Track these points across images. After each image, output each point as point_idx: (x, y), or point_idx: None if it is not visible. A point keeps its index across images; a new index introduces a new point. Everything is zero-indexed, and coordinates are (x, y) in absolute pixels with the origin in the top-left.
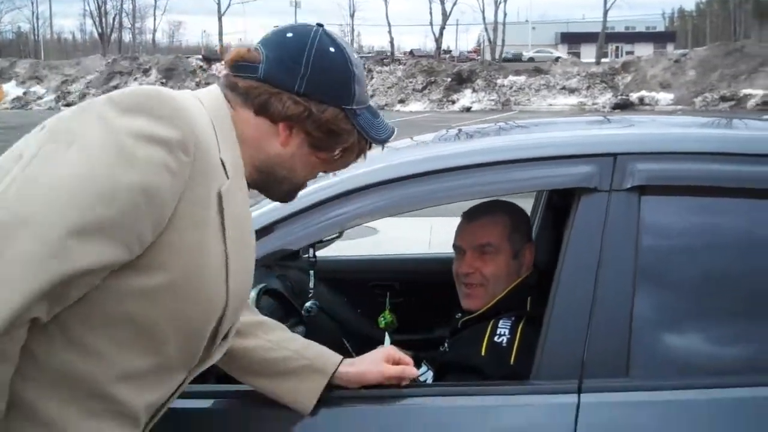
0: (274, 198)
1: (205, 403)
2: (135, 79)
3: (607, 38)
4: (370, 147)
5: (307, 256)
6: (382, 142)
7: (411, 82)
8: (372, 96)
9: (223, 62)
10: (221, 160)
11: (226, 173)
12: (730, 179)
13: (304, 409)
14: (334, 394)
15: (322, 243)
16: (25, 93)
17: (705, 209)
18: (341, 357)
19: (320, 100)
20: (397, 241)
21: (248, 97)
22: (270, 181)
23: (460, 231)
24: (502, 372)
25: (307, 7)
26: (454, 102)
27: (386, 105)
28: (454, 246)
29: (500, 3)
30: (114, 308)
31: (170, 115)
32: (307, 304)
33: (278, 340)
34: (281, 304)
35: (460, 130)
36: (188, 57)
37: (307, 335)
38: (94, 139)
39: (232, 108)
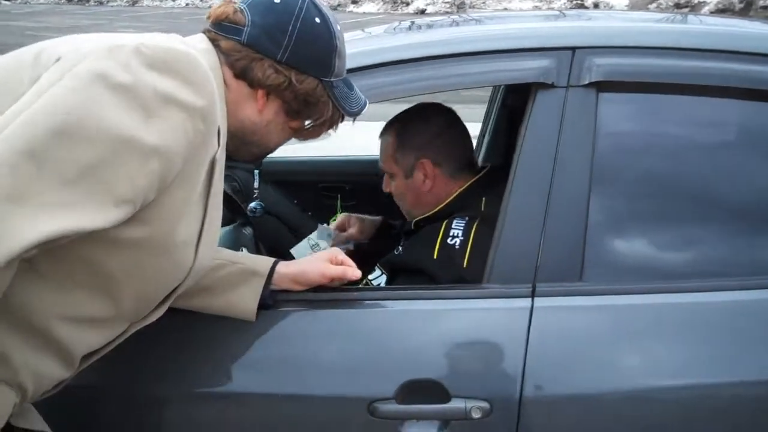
0: (240, 159)
1: None
2: None
3: None
4: (342, 119)
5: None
6: (354, 114)
7: None
8: None
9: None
10: (219, 129)
11: (219, 140)
12: (691, 75)
13: (247, 316)
14: (281, 297)
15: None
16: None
17: (664, 108)
18: (276, 259)
19: (301, 70)
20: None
21: (228, 58)
22: (240, 145)
23: None
24: (455, 275)
25: None
26: (408, 4)
27: (339, 5)
28: None
29: None
30: (86, 250)
31: (199, 82)
32: (252, 204)
33: None
34: (226, 204)
35: (412, 23)
36: None
37: (257, 235)
38: (118, 91)
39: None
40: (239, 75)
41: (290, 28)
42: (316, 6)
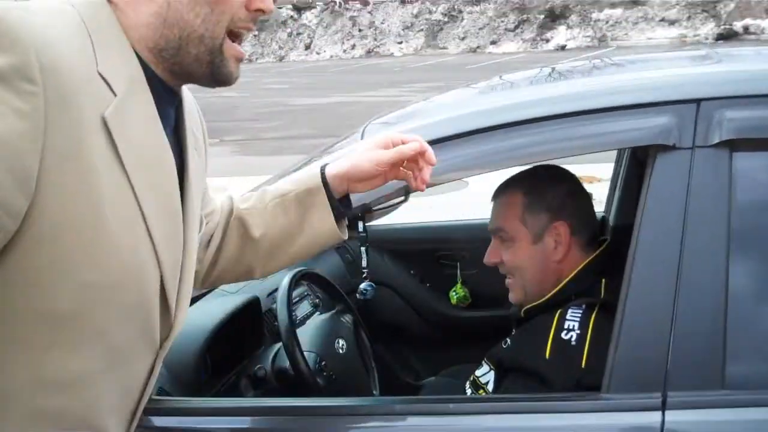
0: (206, 82)
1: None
2: None
3: None
4: None
5: (357, 230)
6: None
7: (503, 22)
8: (463, 39)
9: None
10: (100, 74)
11: (112, 91)
12: None
13: (336, 237)
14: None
15: (385, 209)
16: None
17: None
18: (320, 164)
19: None
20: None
21: None
22: (179, 60)
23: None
24: (571, 378)
25: None
26: (548, 41)
27: (478, 47)
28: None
29: None
30: (19, 301)
31: (1, 39)
32: (361, 285)
33: (258, 200)
34: (324, 289)
35: (542, 71)
36: (280, 7)
37: (359, 322)
38: None
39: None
40: None
41: None
42: None
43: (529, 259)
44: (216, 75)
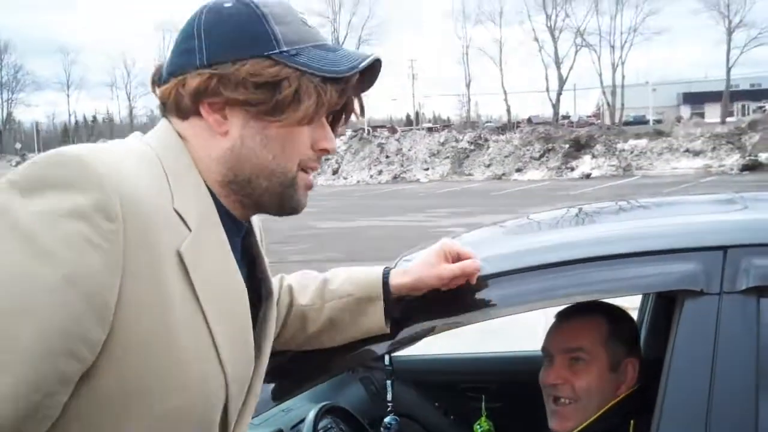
0: (275, 211)
1: None
2: None
3: (731, 96)
4: (336, 88)
5: (383, 363)
6: (344, 72)
7: (528, 150)
8: (489, 166)
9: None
10: (176, 211)
11: (187, 226)
12: None
13: (383, 331)
14: None
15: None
16: None
17: None
18: (382, 268)
19: (231, 59)
20: (508, 329)
21: (171, 108)
22: (247, 192)
23: (551, 333)
24: None
25: (423, 77)
26: (573, 169)
27: (503, 174)
28: (543, 349)
29: (618, 66)
30: (92, 421)
31: (78, 178)
32: (386, 419)
33: (318, 296)
34: (346, 423)
35: (569, 211)
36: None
37: None
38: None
39: (182, 137)
40: (182, 113)
41: (194, 29)
42: None
43: (600, 384)
44: (286, 205)
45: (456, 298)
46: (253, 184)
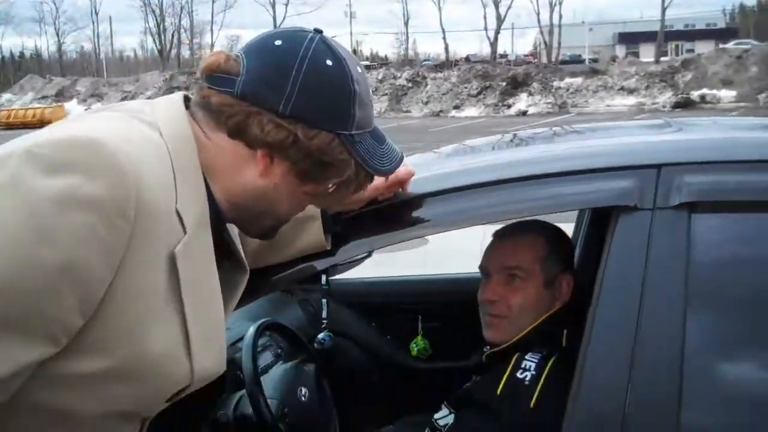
0: (251, 234)
1: None
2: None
3: (666, 37)
4: (371, 179)
5: (320, 283)
6: (386, 173)
7: (466, 88)
8: (426, 103)
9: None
10: (177, 211)
11: (183, 228)
12: None
13: (323, 247)
14: None
15: (349, 263)
16: (86, 110)
17: None
18: None
19: (310, 124)
20: (449, 252)
21: (221, 116)
22: (247, 216)
23: (489, 251)
24: (519, 416)
25: (362, 17)
26: (509, 106)
27: (441, 111)
28: (480, 267)
29: (555, 5)
30: (44, 398)
31: (106, 168)
32: (320, 335)
33: None
34: (288, 340)
35: (503, 137)
36: None
37: (321, 371)
38: (9, 211)
39: (202, 131)
40: (234, 133)
41: (293, 72)
42: (327, 45)
43: (535, 301)
44: (266, 236)
45: (395, 215)
46: (256, 217)
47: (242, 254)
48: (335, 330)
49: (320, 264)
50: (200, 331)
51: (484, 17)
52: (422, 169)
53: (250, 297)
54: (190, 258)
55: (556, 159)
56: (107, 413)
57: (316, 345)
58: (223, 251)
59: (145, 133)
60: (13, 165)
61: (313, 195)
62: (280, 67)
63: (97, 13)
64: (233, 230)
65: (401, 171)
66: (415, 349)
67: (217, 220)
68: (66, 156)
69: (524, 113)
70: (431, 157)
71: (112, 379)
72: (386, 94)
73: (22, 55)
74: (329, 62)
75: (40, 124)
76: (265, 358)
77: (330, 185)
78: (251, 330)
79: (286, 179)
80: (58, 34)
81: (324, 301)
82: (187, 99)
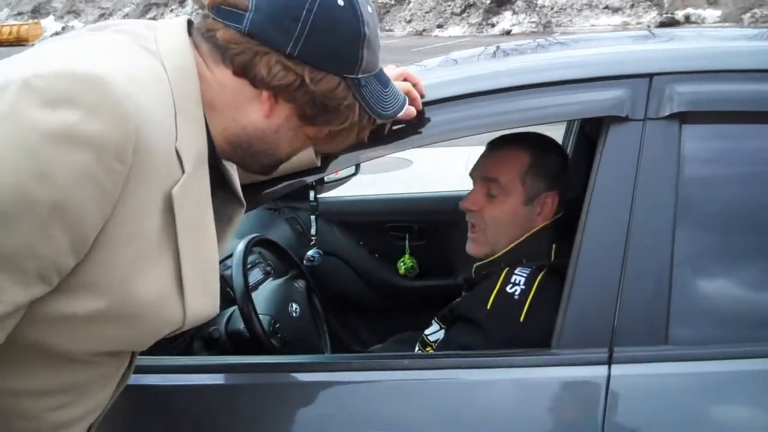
0: (249, 171)
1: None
2: (171, 11)
3: None
4: (374, 123)
5: (308, 200)
6: (389, 117)
7: (449, 6)
8: (409, 21)
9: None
10: (176, 150)
11: (182, 167)
12: None
13: (313, 164)
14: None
15: (336, 181)
16: (63, 28)
17: (761, 139)
18: None
19: (317, 66)
20: (431, 174)
21: (227, 53)
22: (246, 155)
23: (478, 160)
24: (509, 330)
25: None
26: (493, 25)
27: (424, 30)
28: (469, 175)
29: None
30: (35, 337)
31: (109, 108)
32: (309, 252)
33: None
34: (278, 256)
35: (486, 49)
36: None
37: (311, 287)
38: (3, 144)
39: (205, 65)
40: (240, 72)
41: (304, 12)
42: None
43: (512, 217)
44: (264, 172)
45: (381, 128)
46: (253, 156)
47: (238, 188)
48: (324, 248)
49: (309, 178)
50: (194, 273)
51: None
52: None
53: None
54: (187, 198)
55: (543, 69)
56: (98, 351)
57: (305, 262)
58: (218, 181)
59: (151, 68)
60: (10, 96)
61: (314, 138)
62: (289, 6)
63: None
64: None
65: (402, 115)
66: (403, 267)
67: (214, 155)
68: (68, 90)
69: (508, 32)
70: (419, 69)
71: (104, 320)
72: None
73: None
74: (341, 3)
75: (17, 41)
76: (255, 274)
77: (332, 128)
78: (240, 246)
79: (289, 121)
80: None
81: (312, 218)
82: (190, 24)
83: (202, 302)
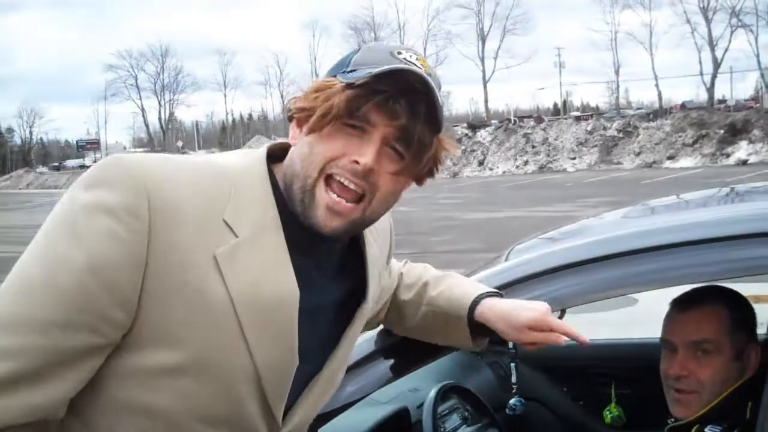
0: (307, 224)
1: None
2: None
3: None
4: (353, 97)
5: (508, 347)
6: (351, 79)
7: (680, 137)
8: (639, 154)
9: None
10: (224, 221)
11: (233, 233)
12: None
13: (472, 347)
14: None
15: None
16: None
17: None
18: (477, 293)
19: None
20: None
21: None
22: (292, 197)
23: (670, 322)
24: None
25: (571, 66)
26: (728, 155)
27: (654, 162)
28: (662, 340)
29: None
30: (125, 395)
31: (116, 178)
32: (511, 401)
33: (417, 297)
34: (470, 403)
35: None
36: (455, 125)
37: None
38: (55, 222)
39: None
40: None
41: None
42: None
43: (725, 376)
44: (307, 217)
45: (584, 273)
46: (291, 188)
47: (369, 281)
48: (526, 394)
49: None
50: (256, 325)
51: (699, 61)
52: (601, 228)
53: (431, 357)
54: (241, 260)
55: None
56: (190, 412)
57: (507, 411)
58: (337, 272)
59: (199, 160)
60: (71, 189)
61: (314, 139)
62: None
63: (317, 75)
64: (374, 267)
65: (551, 338)
66: (609, 416)
67: (303, 229)
68: (96, 174)
69: (744, 162)
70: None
71: (178, 373)
72: (596, 146)
73: (250, 116)
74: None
75: None
76: (452, 421)
77: (318, 114)
78: (432, 393)
79: (300, 136)
80: (282, 96)
81: (513, 365)
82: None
83: (279, 347)
